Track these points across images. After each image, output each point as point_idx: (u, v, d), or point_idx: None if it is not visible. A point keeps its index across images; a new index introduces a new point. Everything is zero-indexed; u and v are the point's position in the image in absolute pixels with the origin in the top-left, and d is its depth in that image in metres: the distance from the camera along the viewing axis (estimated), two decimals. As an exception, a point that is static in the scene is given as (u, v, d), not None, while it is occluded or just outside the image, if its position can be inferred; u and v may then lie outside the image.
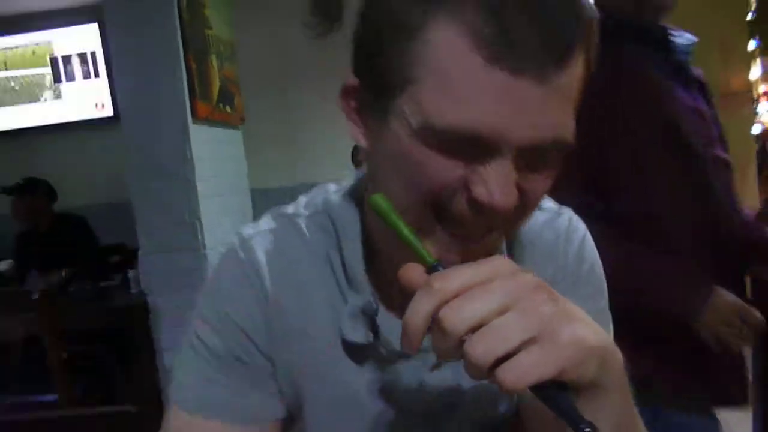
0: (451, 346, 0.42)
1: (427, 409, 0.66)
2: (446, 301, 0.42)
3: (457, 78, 0.46)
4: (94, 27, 3.98)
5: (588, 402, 0.45)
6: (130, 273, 2.89)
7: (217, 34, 2.98)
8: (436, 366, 0.64)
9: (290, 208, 0.69)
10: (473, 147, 0.47)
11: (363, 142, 0.56)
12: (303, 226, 0.66)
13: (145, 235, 2.68)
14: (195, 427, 0.63)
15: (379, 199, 0.50)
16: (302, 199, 0.70)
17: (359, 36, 0.54)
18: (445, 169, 0.48)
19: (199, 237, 2.64)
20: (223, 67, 3.02)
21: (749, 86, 4.50)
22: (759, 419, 1.93)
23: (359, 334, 0.62)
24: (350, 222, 0.63)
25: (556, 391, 0.42)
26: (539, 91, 0.45)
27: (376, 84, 0.51)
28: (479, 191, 0.48)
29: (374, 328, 0.62)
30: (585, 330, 0.44)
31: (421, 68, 0.47)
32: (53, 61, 4.06)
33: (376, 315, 0.62)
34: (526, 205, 0.51)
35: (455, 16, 0.45)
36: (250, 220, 3.49)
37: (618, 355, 0.48)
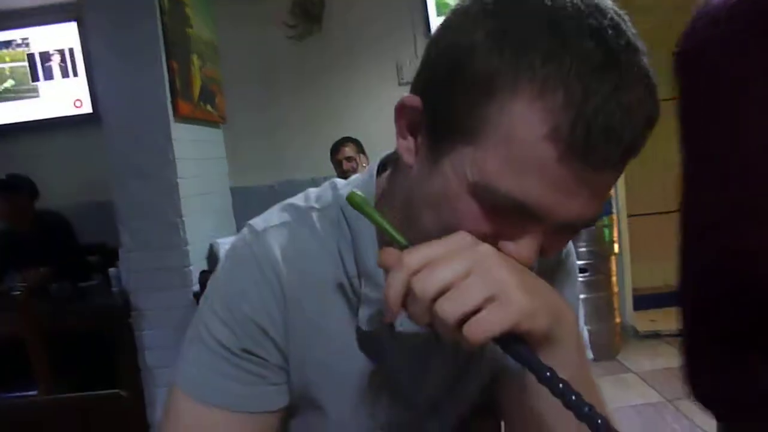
0: (423, 310, 0.48)
1: (428, 399, 0.70)
2: (416, 272, 0.49)
3: (526, 157, 0.47)
4: (72, 25, 3.95)
5: (543, 356, 0.51)
6: (112, 271, 2.89)
7: (199, 34, 3.00)
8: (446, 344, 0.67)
9: (301, 201, 0.69)
10: (519, 214, 0.49)
11: (409, 159, 0.56)
12: (315, 219, 0.67)
13: (127, 234, 2.70)
14: (198, 413, 0.64)
15: (355, 196, 0.55)
16: (312, 193, 0.70)
17: (435, 60, 0.53)
18: (483, 223, 0.51)
19: (182, 234, 2.66)
20: (205, 66, 3.04)
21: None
22: None
23: (375, 325, 0.63)
24: (367, 225, 0.63)
25: (516, 344, 0.49)
26: (598, 180, 0.48)
27: (440, 119, 0.52)
28: (507, 246, 0.52)
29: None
30: (536, 287, 0.51)
31: (491, 129, 0.48)
32: (30, 59, 4.03)
33: None
34: (541, 256, 0.54)
35: (544, 99, 0.45)
36: (230, 218, 3.53)
37: (571, 313, 0.54)
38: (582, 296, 3.33)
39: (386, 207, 0.63)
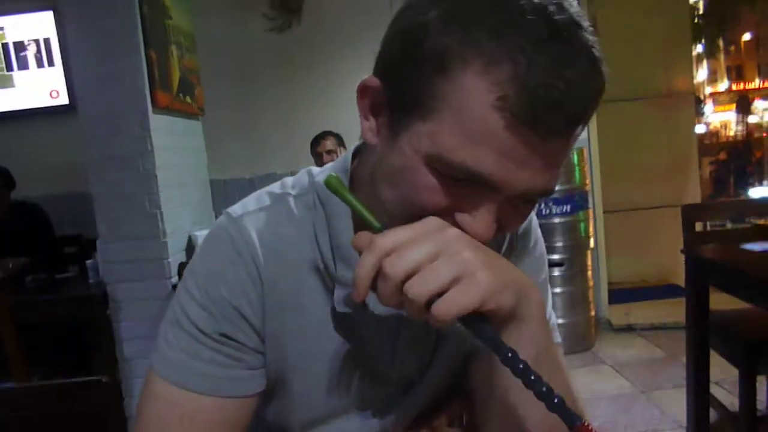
0: (392, 290, 0.50)
1: (400, 378, 0.72)
2: (387, 254, 0.51)
3: (476, 128, 0.49)
4: (48, 14, 3.89)
5: (509, 333, 0.54)
6: (89, 263, 2.87)
7: (177, 24, 2.98)
8: (413, 323, 0.69)
9: (278, 188, 0.71)
10: (474, 184, 0.52)
11: (371, 139, 0.59)
12: (292, 204, 0.68)
13: (104, 224, 2.68)
14: (177, 399, 0.65)
15: (332, 179, 0.58)
16: (288, 181, 0.72)
17: (391, 43, 0.56)
18: (440, 195, 0.53)
19: (160, 226, 2.65)
20: (183, 57, 3.03)
21: (692, 88, 4.71)
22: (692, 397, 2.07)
23: (350, 306, 0.65)
24: (341, 207, 0.65)
25: (481, 323, 0.51)
26: (546, 149, 0.51)
27: (398, 97, 0.55)
28: (464, 220, 0.54)
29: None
30: (501, 267, 0.53)
31: (444, 103, 0.51)
32: (5, 48, 3.96)
33: None
34: (500, 231, 0.57)
35: (491, 72, 0.48)
36: (209, 210, 3.51)
37: (536, 292, 0.57)
38: (558, 289, 3.37)
39: (358, 191, 0.64)
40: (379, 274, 0.51)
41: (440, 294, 0.50)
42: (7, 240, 3.06)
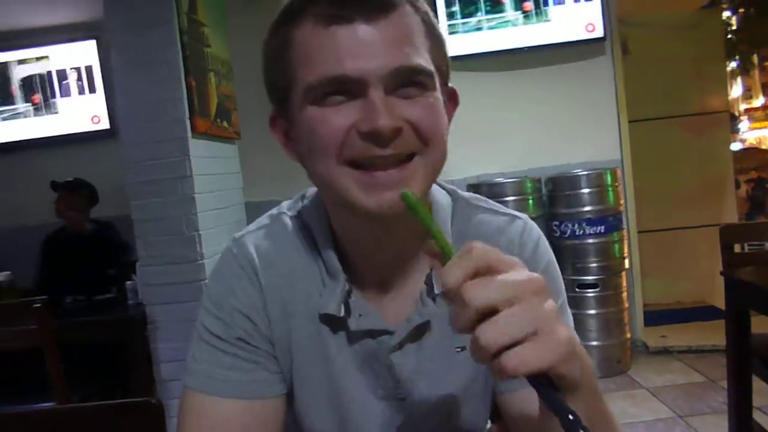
0: (467, 323, 0.46)
1: (391, 388, 0.75)
2: (471, 278, 0.47)
3: (312, 47, 0.63)
4: (92, 44, 4.04)
5: (569, 400, 0.51)
6: (128, 284, 2.93)
7: (215, 53, 3.07)
8: (396, 347, 0.73)
9: (275, 210, 0.80)
10: (347, 87, 0.61)
11: (296, 156, 0.70)
12: (287, 221, 0.77)
13: (144, 247, 2.74)
14: (204, 405, 0.71)
15: (410, 195, 0.60)
16: (285, 203, 0.81)
17: (265, 82, 0.71)
18: (332, 115, 0.62)
19: (198, 249, 2.70)
20: (221, 83, 3.11)
21: (726, 106, 4.65)
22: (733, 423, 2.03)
23: (334, 308, 0.71)
24: (318, 223, 0.75)
25: (547, 384, 0.47)
26: (372, 31, 0.61)
27: (279, 99, 0.68)
28: (363, 123, 0.61)
29: (347, 308, 0.72)
30: (573, 332, 0.52)
31: (294, 63, 0.64)
32: (49, 76, 4.12)
33: (350, 296, 0.72)
34: (420, 129, 0.63)
35: (303, 14, 0.64)
36: (244, 232, 3.56)
37: (587, 355, 0.54)
38: (592, 311, 3.33)
39: (328, 211, 0.74)
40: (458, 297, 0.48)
41: (513, 345, 0.45)
42: (90, 256, 3.22)
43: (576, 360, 0.48)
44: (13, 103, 4.14)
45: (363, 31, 0.61)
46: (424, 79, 0.64)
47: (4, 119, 4.15)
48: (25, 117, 4.14)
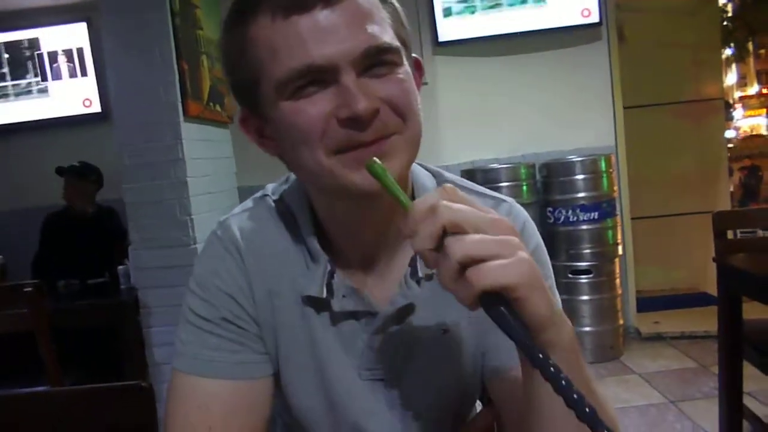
0: (433, 235, 0.49)
1: (375, 369, 0.75)
2: (446, 202, 0.50)
3: (275, 41, 0.62)
4: (82, 26, 3.99)
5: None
6: (120, 268, 2.92)
7: (208, 35, 3.04)
8: (380, 329, 0.74)
9: (260, 193, 0.81)
10: (318, 77, 0.61)
11: (273, 152, 0.70)
12: (271, 204, 0.78)
13: (136, 231, 2.73)
14: (192, 386, 0.71)
15: (374, 164, 0.59)
16: (270, 186, 0.82)
17: (230, 82, 0.71)
18: (308, 107, 0.61)
19: (191, 233, 2.69)
20: (214, 67, 3.08)
21: (721, 93, 4.64)
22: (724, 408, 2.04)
23: (316, 289, 0.72)
24: (301, 207, 0.75)
25: (516, 318, 0.49)
26: (333, 15, 0.61)
27: (250, 98, 0.67)
28: (341, 110, 0.60)
29: (330, 289, 0.72)
30: (556, 301, 0.55)
31: (257, 59, 0.64)
32: (40, 58, 4.07)
33: (333, 277, 0.73)
34: (397, 106, 0.63)
35: (258, 10, 0.63)
36: (238, 217, 3.56)
37: (568, 322, 0.56)
38: (585, 297, 3.34)
39: (310, 196, 0.74)
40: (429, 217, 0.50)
41: (478, 263, 0.48)
42: (87, 237, 3.25)
43: (542, 296, 0.50)
44: (3, 84, 4.09)
45: (324, 16, 0.60)
46: (393, 57, 0.64)
47: (-5, 102, 4.10)
48: (15, 99, 4.09)
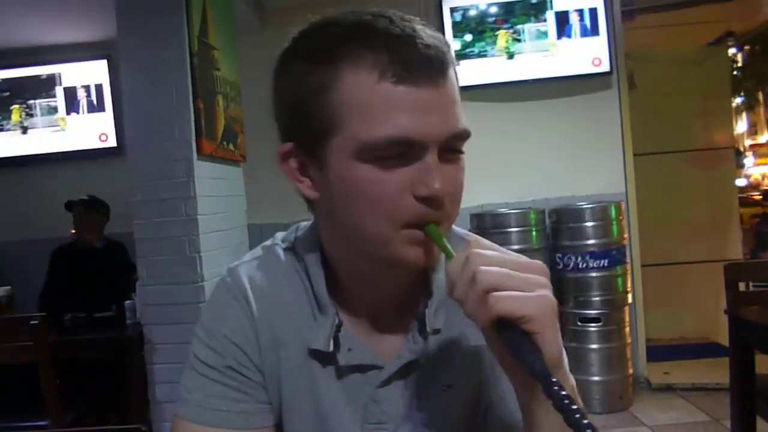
0: (467, 277, 0.55)
1: (378, 423, 0.74)
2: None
3: (375, 102, 0.60)
4: (102, 63, 4.09)
5: (542, 418, 0.58)
6: (127, 303, 2.92)
7: (225, 76, 3.10)
8: (385, 383, 0.73)
9: (269, 242, 0.80)
10: (405, 150, 0.61)
11: (311, 194, 0.68)
12: (280, 253, 0.78)
13: (144, 267, 2.74)
14: None
15: (431, 227, 0.63)
16: (279, 234, 0.81)
17: (279, 109, 0.69)
18: (388, 182, 0.61)
19: (199, 270, 2.69)
20: (229, 106, 3.13)
21: (731, 141, 4.66)
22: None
23: (322, 343, 0.71)
24: (313, 257, 0.74)
25: (535, 353, 0.52)
26: (436, 95, 0.61)
27: (309, 139, 0.65)
28: (420, 188, 0.61)
29: (336, 342, 0.72)
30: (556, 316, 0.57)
31: (344, 110, 0.61)
32: (60, 94, 4.16)
33: (340, 330, 0.72)
34: (453, 195, 0.64)
35: (359, 61, 0.60)
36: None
37: (572, 377, 0.60)
38: (594, 346, 3.29)
39: (328, 241, 0.73)
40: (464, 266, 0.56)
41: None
42: (99, 272, 3.28)
43: (557, 341, 0.55)
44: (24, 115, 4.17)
45: (428, 94, 0.61)
46: (463, 143, 0.66)
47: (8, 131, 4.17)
48: (33, 131, 4.17)
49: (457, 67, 0.67)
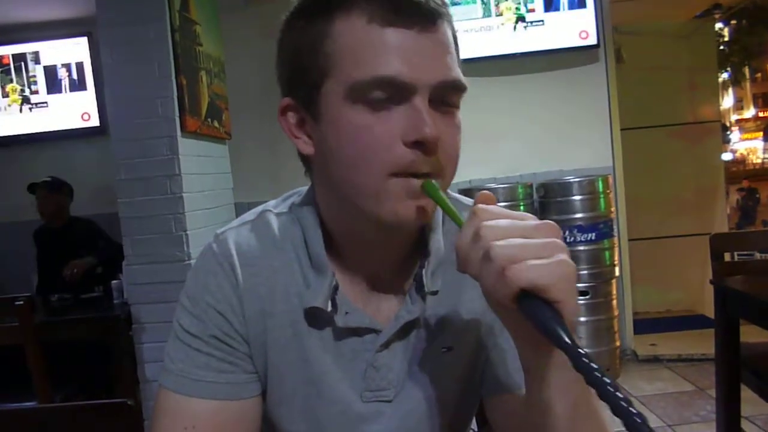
0: (481, 252, 0.51)
1: (378, 390, 0.73)
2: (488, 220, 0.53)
3: (363, 44, 0.61)
4: (83, 40, 4.00)
5: (549, 379, 0.56)
6: (114, 283, 2.90)
7: (207, 51, 3.04)
8: (384, 346, 0.72)
9: (261, 207, 0.79)
10: (394, 93, 0.60)
11: (307, 149, 0.68)
12: (271, 220, 0.76)
13: (131, 246, 2.71)
14: (178, 405, 0.69)
15: (429, 184, 0.62)
16: (271, 202, 0.80)
17: (281, 64, 0.69)
18: (378, 125, 0.60)
19: (185, 248, 2.67)
20: (212, 83, 3.08)
21: (718, 115, 4.67)
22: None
23: (321, 301, 0.69)
24: (311, 219, 0.73)
25: (543, 306, 0.49)
26: (426, 41, 0.61)
27: (306, 89, 0.65)
28: (410, 133, 0.60)
29: (334, 304, 0.70)
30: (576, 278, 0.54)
31: (336, 55, 0.62)
32: (40, 72, 4.08)
33: (337, 291, 0.71)
34: (447, 152, 0.63)
35: (351, 8, 0.61)
36: (233, 233, 3.55)
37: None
38: (582, 319, 3.31)
39: (323, 202, 0.72)
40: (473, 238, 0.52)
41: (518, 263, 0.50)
42: (63, 250, 3.26)
43: (574, 297, 0.51)
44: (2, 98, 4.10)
45: (418, 37, 0.61)
46: (458, 97, 0.64)
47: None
48: (14, 111, 4.09)
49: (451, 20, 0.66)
